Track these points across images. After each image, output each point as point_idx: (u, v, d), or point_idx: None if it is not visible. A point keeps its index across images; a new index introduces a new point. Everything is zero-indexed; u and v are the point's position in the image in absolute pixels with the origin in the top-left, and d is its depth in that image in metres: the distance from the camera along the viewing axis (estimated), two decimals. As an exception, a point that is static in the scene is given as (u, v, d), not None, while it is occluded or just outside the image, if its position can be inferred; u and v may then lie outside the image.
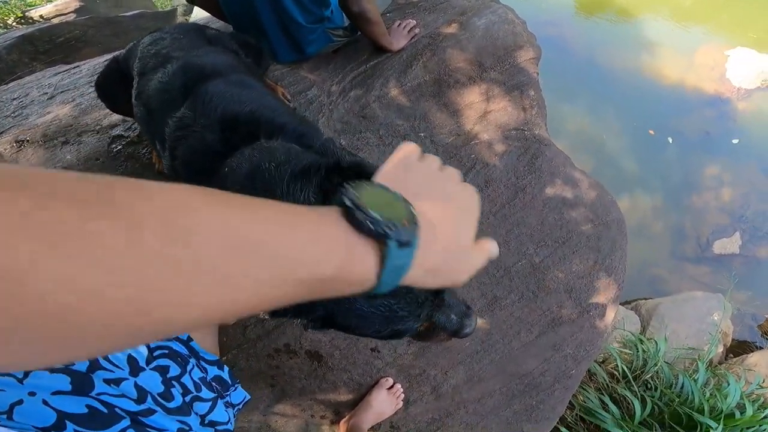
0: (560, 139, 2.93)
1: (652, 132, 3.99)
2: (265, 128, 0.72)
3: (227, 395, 0.68)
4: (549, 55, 2.21)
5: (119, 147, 1.38)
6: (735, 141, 4.12)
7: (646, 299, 2.88)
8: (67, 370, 0.47)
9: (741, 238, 3.54)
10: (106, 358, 0.50)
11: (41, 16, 4.23)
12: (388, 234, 0.30)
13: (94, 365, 0.49)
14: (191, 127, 0.74)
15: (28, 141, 1.29)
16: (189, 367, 0.59)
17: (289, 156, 0.62)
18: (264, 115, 0.74)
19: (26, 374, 0.46)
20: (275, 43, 1.44)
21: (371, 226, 0.30)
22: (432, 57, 1.68)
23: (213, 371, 0.64)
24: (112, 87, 1.11)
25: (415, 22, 1.73)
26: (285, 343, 1.27)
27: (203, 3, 1.48)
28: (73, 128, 1.37)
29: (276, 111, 0.77)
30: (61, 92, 1.53)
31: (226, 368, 0.67)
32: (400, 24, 1.69)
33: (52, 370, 0.46)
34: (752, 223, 3.60)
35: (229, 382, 0.69)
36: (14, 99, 1.51)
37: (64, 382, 0.47)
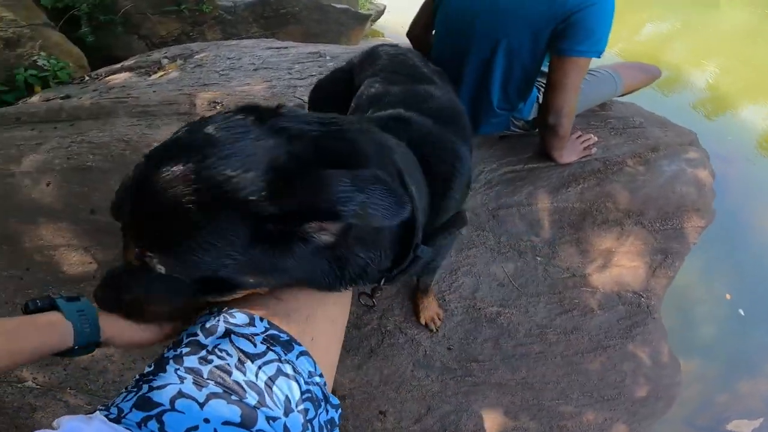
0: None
1: (728, 296, 3.23)
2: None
3: None
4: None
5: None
6: None
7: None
8: (241, 402, 0.49)
9: (761, 424, 2.86)
10: (270, 397, 0.51)
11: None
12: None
13: (261, 401, 0.50)
14: None
15: (221, 105, 1.41)
16: (320, 410, 0.60)
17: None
18: None
19: (207, 400, 0.48)
20: None
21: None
22: (594, 187, 1.48)
23: (332, 413, 0.65)
24: (334, 93, 1.14)
25: (596, 139, 1.53)
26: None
27: (416, 39, 1.46)
28: (258, 108, 1.46)
29: None
30: (265, 68, 1.63)
31: (340, 410, 0.68)
32: (580, 136, 1.51)
33: (229, 401, 0.49)
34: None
35: (337, 422, 0.70)
36: (229, 58, 1.65)
37: (235, 414, 0.48)
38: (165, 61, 1.83)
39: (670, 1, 6.13)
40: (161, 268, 0.47)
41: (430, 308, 1.24)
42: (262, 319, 0.57)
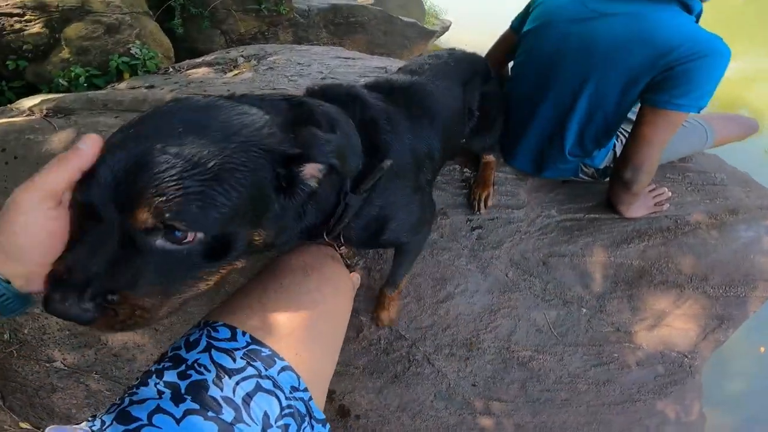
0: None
1: (762, 350, 2.82)
2: None
3: None
4: None
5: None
6: None
7: None
8: (218, 419, 0.49)
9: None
10: (248, 413, 0.51)
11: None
12: None
13: (238, 417, 0.50)
14: None
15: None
16: (303, 425, 0.59)
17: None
18: None
19: (184, 416, 0.48)
20: (523, 148, 1.31)
21: None
22: (659, 246, 1.35)
23: (318, 429, 0.64)
24: None
25: (670, 194, 1.39)
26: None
27: (495, 60, 1.40)
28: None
29: None
30: (332, 78, 1.63)
31: (328, 426, 0.66)
32: (653, 190, 1.38)
33: (206, 417, 0.48)
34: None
35: None
36: (299, 63, 1.67)
37: (212, 430, 0.48)
38: (241, 59, 1.89)
39: (753, 39, 5.56)
40: (164, 243, 0.42)
41: (390, 309, 1.20)
42: (244, 334, 0.56)
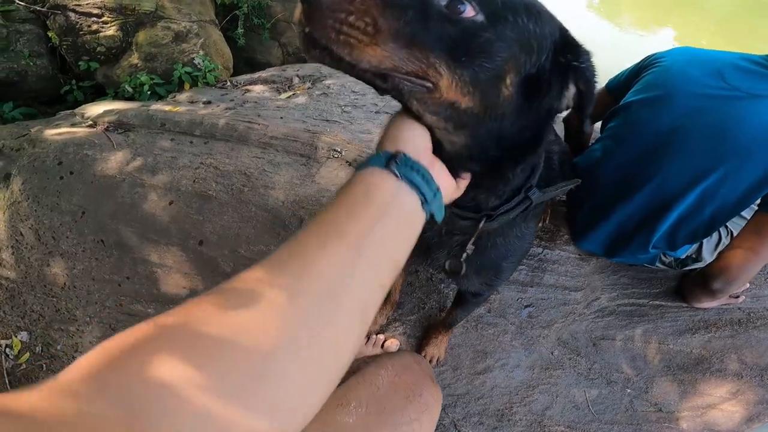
0: None
1: None
2: None
3: None
4: None
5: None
6: None
7: None
8: None
9: None
10: None
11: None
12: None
13: None
14: None
15: (340, 154, 1.26)
16: None
17: None
18: None
19: None
20: (600, 231, 1.05)
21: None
22: (726, 338, 1.14)
23: None
24: None
25: (747, 285, 1.15)
26: None
27: (572, 131, 1.20)
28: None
29: None
30: (386, 112, 1.46)
31: None
32: None
33: None
34: None
35: None
36: (354, 92, 1.52)
37: None
38: (296, 80, 1.74)
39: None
40: (442, 7, 0.37)
41: (439, 346, 1.08)
42: None
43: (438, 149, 0.45)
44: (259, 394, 0.25)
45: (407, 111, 0.44)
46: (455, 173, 0.46)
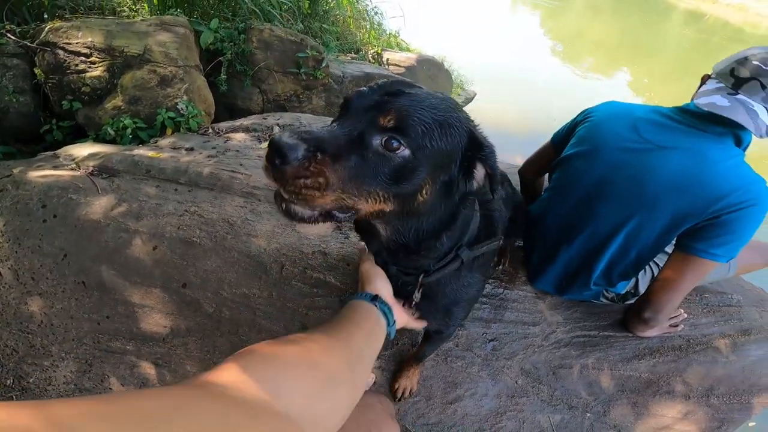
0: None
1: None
2: None
3: None
4: None
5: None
6: None
7: None
8: None
9: None
10: None
11: (387, 60, 3.93)
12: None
13: None
14: None
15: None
16: None
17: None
18: None
19: None
20: (550, 271, 1.19)
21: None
22: (669, 362, 1.28)
23: None
24: None
25: (685, 316, 1.31)
26: None
27: (526, 180, 1.35)
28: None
29: None
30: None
31: None
32: None
33: None
34: None
35: None
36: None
37: None
38: (277, 129, 1.87)
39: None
40: (379, 146, 0.51)
41: (411, 378, 1.16)
42: None
43: (378, 235, 0.64)
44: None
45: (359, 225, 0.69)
46: (395, 256, 0.68)
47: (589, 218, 1.04)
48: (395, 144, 0.51)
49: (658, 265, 1.20)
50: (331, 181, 0.48)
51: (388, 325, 0.65)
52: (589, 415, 1.27)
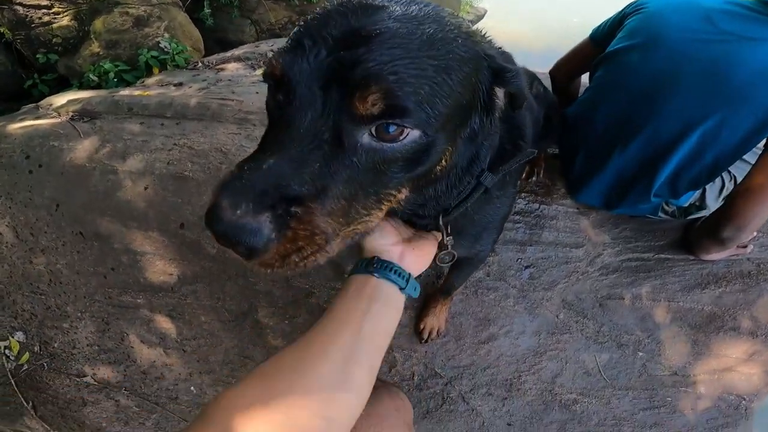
0: None
1: None
2: None
3: None
4: None
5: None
6: None
7: None
8: None
9: None
10: None
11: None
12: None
13: None
14: None
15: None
16: None
17: None
18: None
19: None
20: (596, 182, 1.04)
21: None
22: (737, 292, 1.13)
23: None
24: None
25: (755, 234, 1.13)
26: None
27: (558, 83, 1.19)
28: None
29: None
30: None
31: None
32: None
33: None
34: None
35: None
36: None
37: None
38: (271, 54, 1.68)
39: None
40: (371, 140, 0.35)
41: (438, 317, 1.06)
42: None
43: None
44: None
45: None
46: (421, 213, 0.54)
47: (651, 116, 0.89)
48: (393, 130, 0.35)
49: (730, 173, 1.02)
50: (332, 227, 0.35)
51: (401, 287, 0.52)
52: (641, 354, 1.15)
